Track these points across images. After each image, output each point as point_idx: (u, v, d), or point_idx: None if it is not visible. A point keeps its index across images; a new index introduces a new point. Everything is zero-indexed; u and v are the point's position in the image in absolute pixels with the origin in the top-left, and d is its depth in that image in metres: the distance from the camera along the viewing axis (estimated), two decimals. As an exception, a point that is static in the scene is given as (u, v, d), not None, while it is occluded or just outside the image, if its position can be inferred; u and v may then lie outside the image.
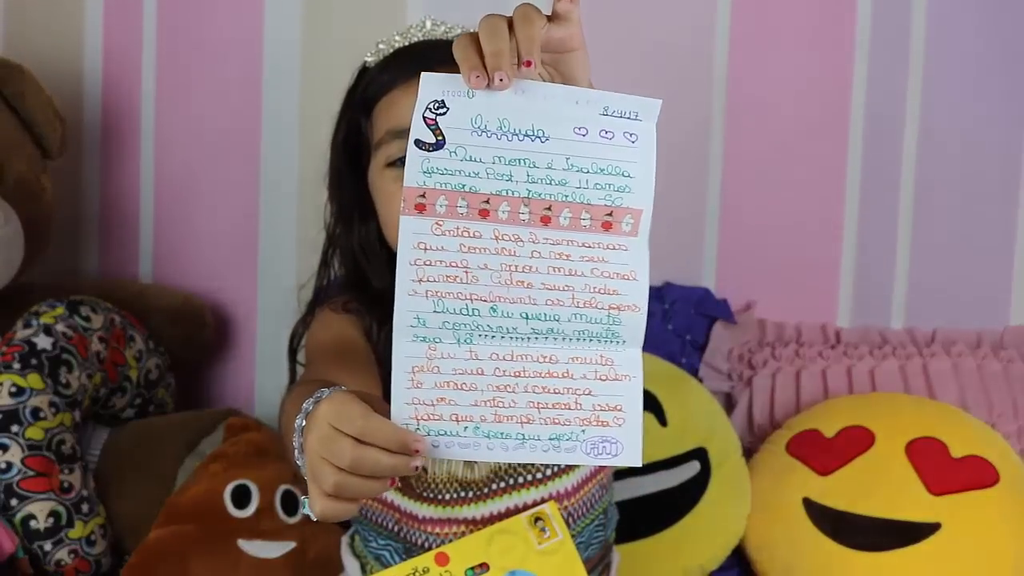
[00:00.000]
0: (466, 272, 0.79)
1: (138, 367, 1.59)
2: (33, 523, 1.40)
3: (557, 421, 0.81)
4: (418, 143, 0.80)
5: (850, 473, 1.52)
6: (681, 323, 1.70)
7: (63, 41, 1.76)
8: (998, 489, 1.48)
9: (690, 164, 1.75)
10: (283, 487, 1.47)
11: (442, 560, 1.00)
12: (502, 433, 0.79)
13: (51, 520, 1.40)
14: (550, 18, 0.82)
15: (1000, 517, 1.47)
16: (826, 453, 1.54)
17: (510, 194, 0.80)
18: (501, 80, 0.79)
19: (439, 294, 0.78)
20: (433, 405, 0.79)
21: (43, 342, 1.44)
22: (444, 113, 0.80)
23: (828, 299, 1.76)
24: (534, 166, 0.80)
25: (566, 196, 0.80)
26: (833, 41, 1.74)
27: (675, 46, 1.74)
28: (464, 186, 0.80)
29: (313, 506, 0.80)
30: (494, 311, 0.78)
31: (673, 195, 1.76)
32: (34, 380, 1.41)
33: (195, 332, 1.71)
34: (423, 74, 0.81)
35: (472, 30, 1.18)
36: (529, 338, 0.79)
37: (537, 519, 1.02)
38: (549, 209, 0.79)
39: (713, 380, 1.69)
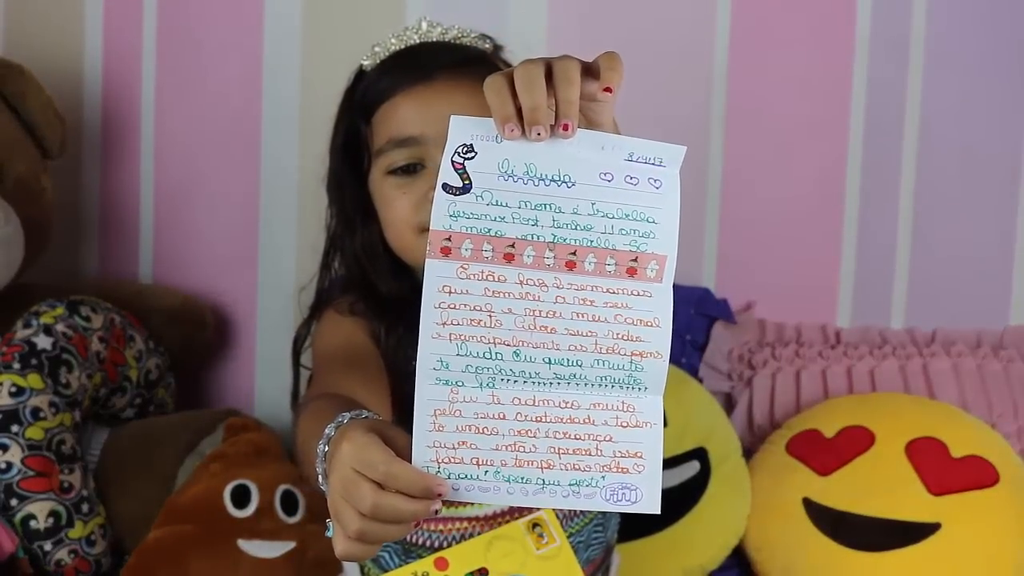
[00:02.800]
0: (490, 316, 0.79)
1: (138, 367, 1.59)
2: (33, 523, 1.40)
3: (577, 467, 0.81)
4: (445, 187, 0.80)
5: (850, 473, 1.52)
6: (681, 323, 1.70)
7: (63, 41, 1.76)
8: (998, 489, 1.48)
9: (690, 164, 1.74)
10: (283, 487, 1.47)
11: (441, 565, 1.00)
12: (523, 478, 0.80)
13: (51, 520, 1.40)
14: (587, 68, 0.82)
15: (1000, 517, 1.47)
16: (826, 453, 1.54)
17: (535, 239, 0.80)
18: (539, 135, 0.79)
19: (463, 337, 0.79)
20: (454, 449, 0.79)
21: (43, 342, 1.44)
22: (472, 157, 0.80)
23: (828, 299, 1.76)
24: (560, 211, 0.80)
25: (591, 241, 0.80)
26: (833, 41, 1.74)
27: (675, 46, 1.74)
28: (490, 230, 0.80)
29: (336, 545, 0.82)
30: (517, 355, 0.79)
31: (673, 195, 1.76)
32: (34, 380, 1.41)
33: (195, 332, 1.71)
34: (453, 117, 0.80)
35: (468, 31, 1.18)
36: (551, 383, 0.79)
37: (535, 525, 1.02)
38: (574, 254, 0.80)
39: (713, 380, 1.69)
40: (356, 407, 0.87)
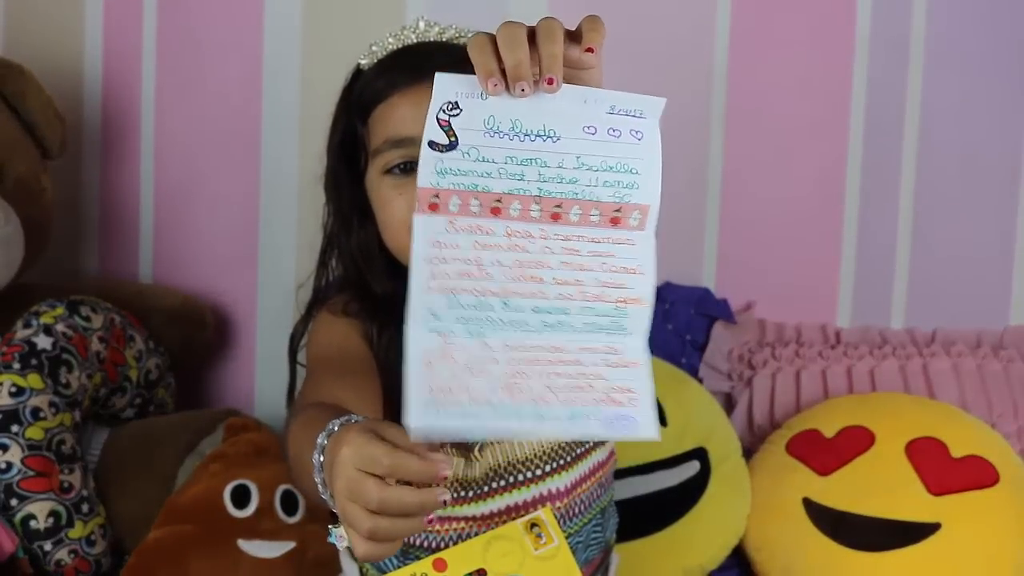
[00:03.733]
0: (479, 268, 0.80)
1: (138, 367, 1.59)
2: (33, 523, 1.40)
3: (573, 401, 0.81)
4: (431, 144, 0.81)
5: (850, 473, 1.52)
6: (681, 323, 1.70)
7: (63, 41, 1.77)
8: (998, 489, 1.48)
9: (690, 164, 1.75)
10: (283, 487, 1.47)
11: (440, 566, 1.00)
12: (520, 413, 0.80)
13: (51, 520, 1.40)
14: (571, 34, 0.83)
15: (1000, 517, 1.47)
16: (826, 453, 1.54)
17: (521, 192, 0.81)
18: (523, 91, 0.80)
19: (453, 290, 0.79)
20: (450, 391, 0.79)
21: (43, 342, 1.44)
22: (457, 114, 0.81)
23: (828, 299, 1.76)
24: (545, 165, 0.81)
25: (576, 194, 0.81)
26: (833, 41, 1.74)
27: (675, 46, 1.74)
28: (477, 186, 0.81)
29: (356, 549, 0.80)
30: (506, 305, 0.79)
31: (673, 195, 1.74)
32: (34, 380, 1.41)
33: (195, 332, 1.71)
34: (437, 74, 0.81)
35: (465, 30, 1.18)
36: (540, 330, 0.80)
37: (533, 525, 1.03)
38: (559, 207, 0.81)
39: (713, 380, 1.69)
40: (345, 414, 0.86)
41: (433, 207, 0.80)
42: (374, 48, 1.17)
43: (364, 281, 1.15)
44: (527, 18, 1.81)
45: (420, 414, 0.77)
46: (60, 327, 1.46)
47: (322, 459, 0.83)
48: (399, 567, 1.14)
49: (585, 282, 0.80)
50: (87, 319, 1.50)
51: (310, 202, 1.76)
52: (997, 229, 1.75)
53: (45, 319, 1.46)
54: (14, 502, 1.39)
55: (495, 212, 0.80)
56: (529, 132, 0.81)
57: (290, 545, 1.42)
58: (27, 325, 1.46)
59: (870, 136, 1.74)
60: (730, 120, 1.74)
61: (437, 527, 1.13)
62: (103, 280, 1.78)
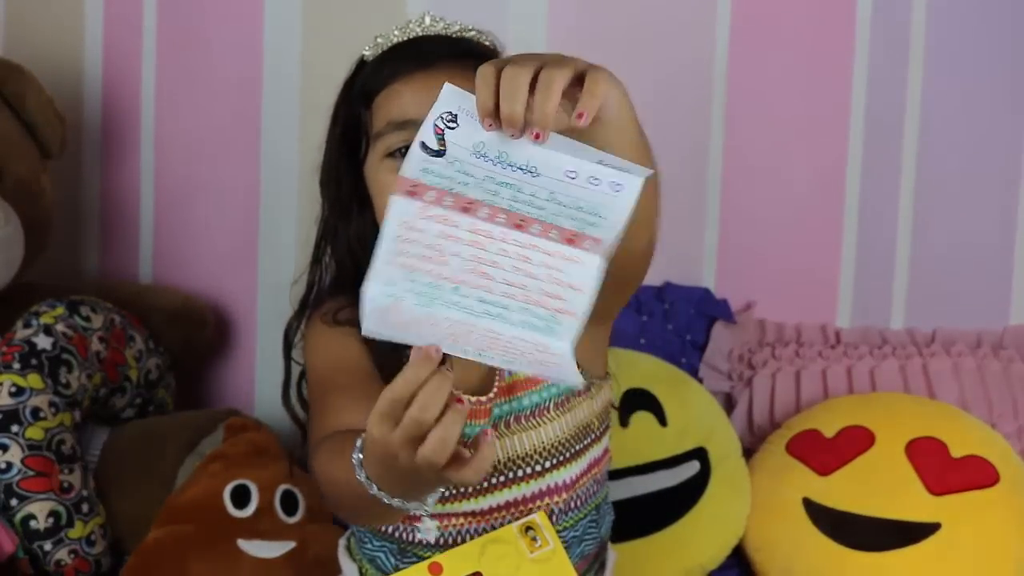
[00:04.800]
0: (439, 255, 0.85)
1: (138, 367, 1.59)
2: (33, 523, 1.40)
3: (509, 352, 0.87)
4: (423, 145, 0.86)
5: (850, 473, 1.52)
6: (681, 323, 1.70)
7: (63, 41, 1.76)
8: (998, 489, 1.48)
9: (690, 164, 1.75)
10: (283, 487, 1.47)
11: (435, 569, 1.02)
12: (465, 334, 0.86)
13: (51, 520, 1.40)
14: (579, 78, 0.86)
15: (1000, 517, 1.47)
16: (826, 453, 1.54)
17: (492, 204, 0.86)
18: (512, 136, 0.85)
19: (412, 267, 0.85)
20: (400, 332, 0.86)
21: (43, 342, 1.44)
22: (454, 128, 0.87)
23: (828, 299, 1.76)
24: (519, 191, 0.87)
25: (542, 218, 0.86)
26: (833, 41, 1.74)
27: (675, 45, 1.74)
28: (453, 189, 0.86)
29: (465, 477, 0.83)
30: (456, 291, 0.85)
31: (673, 195, 1.74)
32: (34, 380, 1.41)
33: (195, 332, 1.71)
34: (446, 84, 0.86)
35: (470, 28, 1.18)
36: (480, 316, 0.85)
37: (527, 528, 1.04)
38: (523, 220, 0.86)
39: (713, 380, 1.69)
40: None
41: (411, 194, 0.85)
42: (379, 40, 1.18)
43: (357, 275, 1.15)
44: (527, 18, 1.81)
45: (372, 320, 0.85)
46: (60, 327, 1.46)
47: (361, 456, 0.88)
48: (398, 569, 1.14)
49: (529, 287, 0.85)
50: (87, 319, 1.50)
51: (310, 202, 1.75)
52: (997, 229, 1.75)
53: (45, 319, 1.46)
54: (14, 502, 1.39)
55: (465, 210, 0.85)
56: (513, 164, 0.87)
57: (290, 545, 1.42)
58: (27, 325, 1.46)
59: (870, 136, 1.74)
60: (730, 119, 1.74)
61: (438, 523, 1.13)
62: (103, 280, 1.78)
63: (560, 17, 1.73)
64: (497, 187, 0.86)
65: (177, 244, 1.79)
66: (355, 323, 1.03)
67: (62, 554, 1.41)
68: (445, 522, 1.14)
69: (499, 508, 1.13)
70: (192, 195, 1.78)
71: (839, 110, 1.74)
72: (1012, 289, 1.75)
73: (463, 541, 1.12)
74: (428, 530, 0.91)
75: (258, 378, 1.79)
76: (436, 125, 0.87)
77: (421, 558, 1.12)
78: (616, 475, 1.46)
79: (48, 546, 1.41)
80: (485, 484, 1.13)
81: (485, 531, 1.11)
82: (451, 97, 0.87)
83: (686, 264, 1.75)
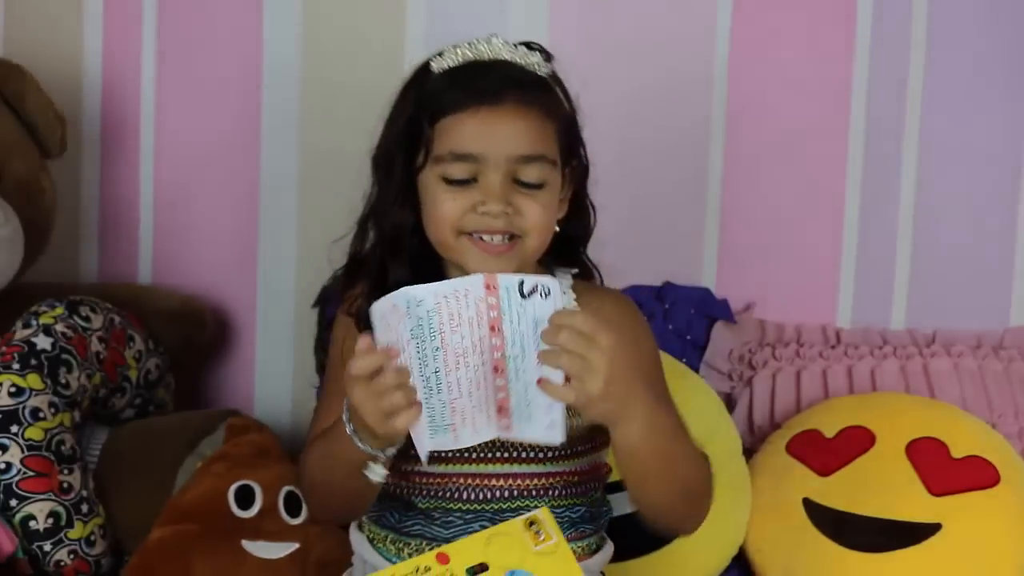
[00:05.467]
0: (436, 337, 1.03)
1: (138, 367, 1.58)
2: (33, 524, 1.40)
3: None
4: (520, 285, 1.00)
5: (850, 473, 1.52)
6: (681, 323, 1.69)
7: (63, 41, 1.76)
8: (999, 490, 1.48)
9: (690, 164, 1.75)
10: (286, 488, 1.47)
11: (443, 559, 1.04)
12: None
13: (51, 520, 1.40)
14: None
15: (1001, 518, 1.47)
16: (826, 453, 1.54)
17: (509, 340, 1.03)
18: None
19: (420, 326, 1.02)
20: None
21: (42, 342, 1.43)
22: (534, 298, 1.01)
23: (828, 299, 1.76)
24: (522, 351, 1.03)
25: (508, 380, 1.03)
26: (833, 41, 1.74)
27: (675, 46, 1.74)
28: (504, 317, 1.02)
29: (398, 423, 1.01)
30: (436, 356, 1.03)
31: (673, 195, 1.76)
32: (33, 380, 1.41)
33: (195, 333, 1.71)
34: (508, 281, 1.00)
35: (532, 48, 1.18)
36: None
37: (531, 523, 1.06)
38: (498, 368, 1.03)
39: (713, 380, 1.69)
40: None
41: (488, 288, 1.00)
42: (448, 54, 1.18)
43: (383, 263, 1.19)
44: (528, 18, 1.81)
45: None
46: (59, 327, 1.45)
47: (351, 426, 1.05)
48: (401, 522, 1.17)
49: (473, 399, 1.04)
50: (87, 319, 1.50)
51: (310, 202, 1.76)
52: (998, 229, 1.75)
53: (44, 319, 1.46)
54: (13, 502, 1.39)
55: (492, 329, 1.01)
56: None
57: (294, 546, 1.42)
58: (26, 325, 1.45)
59: (870, 136, 1.74)
60: (730, 120, 1.74)
61: (437, 481, 1.16)
62: (103, 280, 1.78)
63: (561, 21, 1.73)
64: (520, 339, 1.01)
65: (177, 244, 1.79)
66: (366, 318, 1.07)
67: (62, 554, 1.41)
68: (444, 480, 1.16)
69: (494, 476, 1.16)
70: (192, 195, 1.78)
71: (839, 110, 1.74)
72: (1012, 290, 1.75)
73: (458, 498, 1.15)
74: (377, 474, 1.06)
75: (257, 378, 1.79)
76: (524, 290, 1.00)
77: (420, 511, 1.16)
78: (614, 489, 1.44)
79: (48, 547, 1.41)
80: (487, 454, 1.15)
81: (474, 493, 1.15)
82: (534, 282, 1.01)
83: (686, 264, 1.75)
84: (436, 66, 1.18)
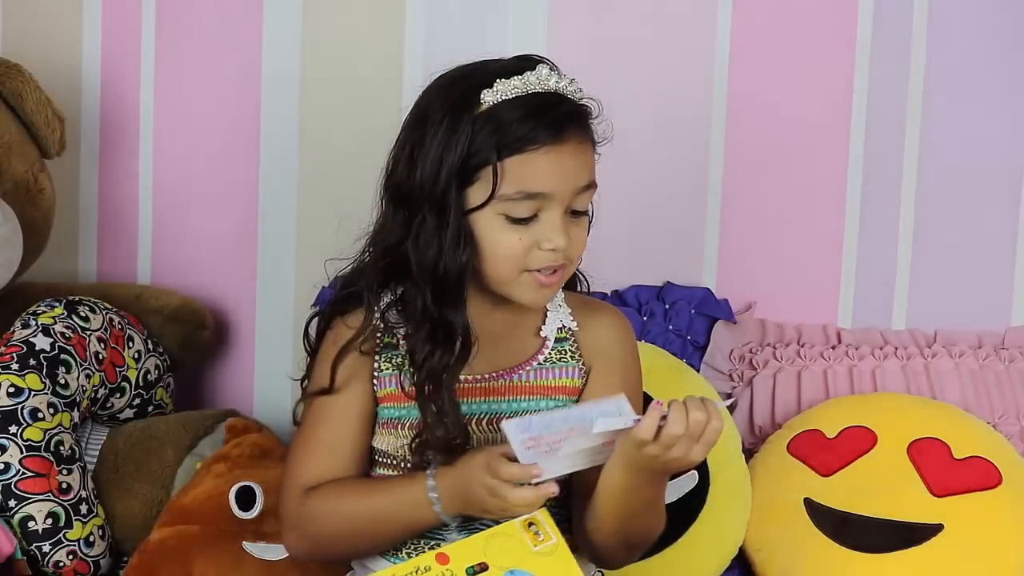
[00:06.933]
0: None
1: (137, 367, 1.58)
2: (32, 524, 1.39)
3: None
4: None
5: (851, 473, 1.52)
6: (681, 323, 1.69)
7: (63, 41, 1.76)
8: (1001, 490, 1.48)
9: (690, 164, 1.75)
10: (285, 489, 1.46)
11: (443, 560, 1.05)
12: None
13: (50, 521, 1.40)
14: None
15: (1003, 518, 1.47)
16: (827, 453, 1.54)
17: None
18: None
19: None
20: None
21: (41, 342, 1.43)
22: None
23: (829, 299, 1.76)
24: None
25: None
26: (833, 41, 1.73)
27: (676, 46, 1.74)
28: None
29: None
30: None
31: (673, 195, 1.75)
32: (32, 380, 1.41)
33: (194, 333, 1.71)
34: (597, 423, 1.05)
35: (574, 80, 1.17)
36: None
37: (530, 524, 1.08)
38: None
39: (714, 380, 1.69)
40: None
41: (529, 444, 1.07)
42: (500, 86, 1.13)
43: (438, 309, 1.15)
44: (528, 18, 1.81)
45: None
46: (59, 327, 1.45)
47: (439, 498, 1.10)
48: (398, 562, 1.16)
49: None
50: (86, 319, 1.50)
51: (310, 203, 1.76)
52: (999, 229, 1.75)
53: (43, 319, 1.45)
54: (12, 503, 1.39)
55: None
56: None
57: (293, 547, 1.42)
58: (25, 325, 1.45)
59: (871, 136, 1.74)
60: (731, 120, 1.74)
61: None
62: (102, 280, 1.78)
63: (560, 22, 1.73)
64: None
65: (176, 245, 1.79)
66: (373, 352, 1.14)
67: (61, 555, 1.41)
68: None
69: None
70: (191, 195, 1.78)
71: (840, 110, 1.74)
72: (1014, 289, 1.75)
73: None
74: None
75: (257, 379, 1.79)
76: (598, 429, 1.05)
77: None
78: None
79: (47, 547, 1.40)
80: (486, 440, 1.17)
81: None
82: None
83: (686, 264, 1.75)
84: (491, 98, 1.13)
